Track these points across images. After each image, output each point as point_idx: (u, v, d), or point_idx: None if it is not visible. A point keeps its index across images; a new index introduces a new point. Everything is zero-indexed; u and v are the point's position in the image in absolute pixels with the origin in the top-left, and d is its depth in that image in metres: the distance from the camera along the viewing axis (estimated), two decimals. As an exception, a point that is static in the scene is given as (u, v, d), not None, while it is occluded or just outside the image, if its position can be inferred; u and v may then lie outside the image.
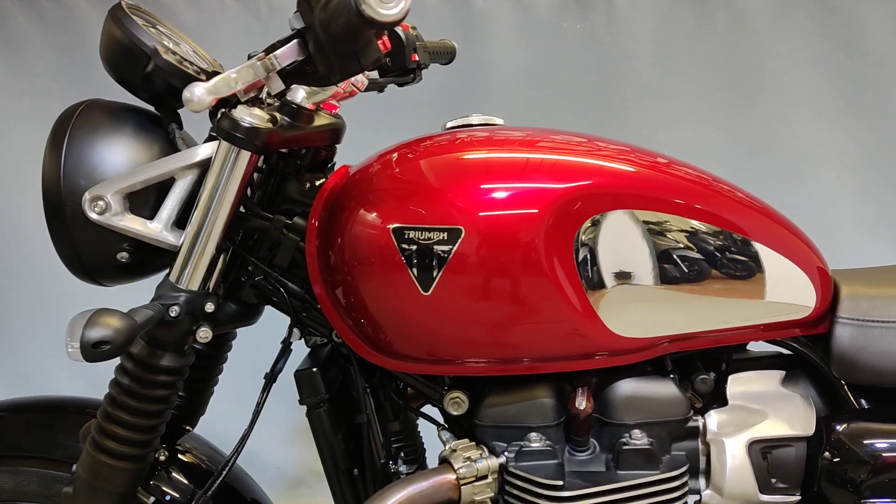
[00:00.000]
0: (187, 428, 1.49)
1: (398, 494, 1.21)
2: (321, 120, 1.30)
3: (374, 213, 1.20)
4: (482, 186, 1.19)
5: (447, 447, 1.28)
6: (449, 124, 1.42)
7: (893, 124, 2.52)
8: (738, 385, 1.30)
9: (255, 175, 1.32)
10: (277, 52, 1.09)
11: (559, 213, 1.17)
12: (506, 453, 1.25)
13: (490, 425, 1.27)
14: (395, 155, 1.27)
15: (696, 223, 1.23)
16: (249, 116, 1.16)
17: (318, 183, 1.31)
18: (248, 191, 1.32)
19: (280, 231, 1.29)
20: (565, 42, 2.57)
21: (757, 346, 1.40)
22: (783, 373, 1.32)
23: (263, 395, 1.34)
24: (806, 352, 1.32)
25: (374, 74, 1.61)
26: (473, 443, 1.27)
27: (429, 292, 1.18)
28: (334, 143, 1.37)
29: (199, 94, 1.08)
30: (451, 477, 1.23)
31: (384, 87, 1.60)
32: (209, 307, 1.22)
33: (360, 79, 1.39)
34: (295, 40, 1.08)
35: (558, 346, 1.23)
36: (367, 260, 1.21)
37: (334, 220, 1.24)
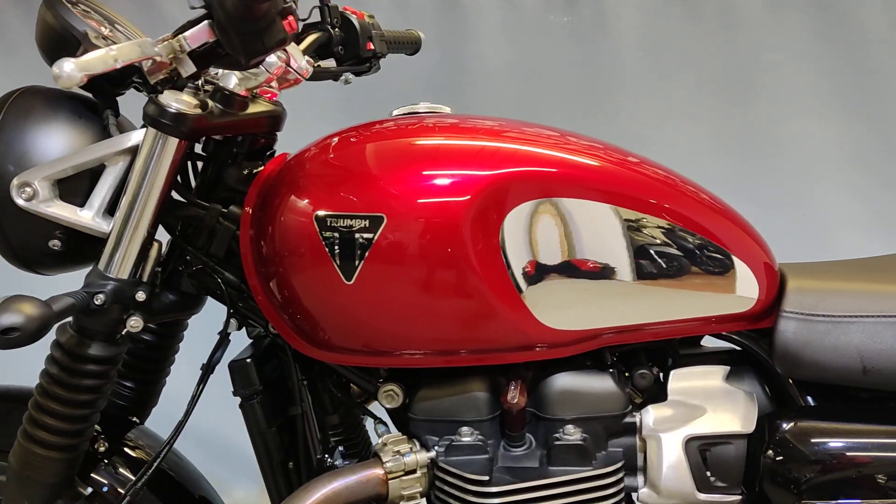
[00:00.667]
0: (135, 420, 1.47)
1: (322, 489, 1.19)
2: (257, 107, 1.28)
3: (300, 201, 1.19)
4: (406, 173, 1.16)
5: (380, 441, 1.25)
6: (395, 112, 1.39)
7: (891, 121, 2.45)
8: (680, 380, 1.26)
9: (198, 163, 1.31)
10: (187, 33, 1.07)
11: (484, 200, 1.14)
12: (436, 448, 1.22)
13: (423, 419, 1.25)
14: (328, 141, 1.26)
15: (630, 213, 1.19)
16: (176, 102, 1.14)
17: (255, 170, 1.30)
18: (191, 178, 1.31)
19: (216, 220, 1.27)
20: (552, 36, 2.53)
21: (710, 342, 1.36)
22: (727, 368, 1.27)
23: (200, 386, 1.32)
24: (753, 347, 1.28)
25: (331, 63, 1.59)
26: (405, 437, 1.24)
27: (351, 281, 1.16)
28: (273, 131, 1.35)
29: (69, 69, 1.04)
30: (379, 471, 1.21)
31: (339, 75, 1.58)
32: (140, 296, 1.21)
33: (304, 66, 1.36)
34: (205, 21, 1.06)
35: (489, 338, 1.20)
36: (293, 249, 1.19)
37: (266, 208, 1.22)
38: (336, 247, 1.15)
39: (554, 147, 1.24)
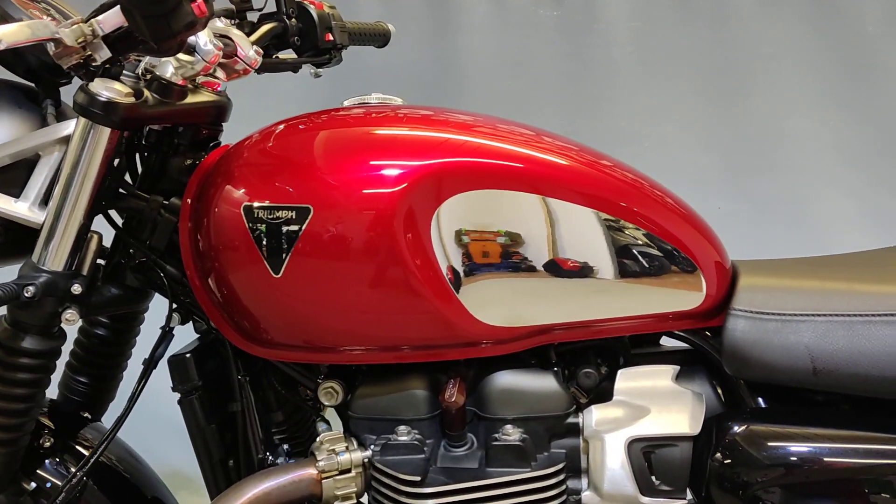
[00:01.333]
0: (87, 416, 1.45)
1: (253, 489, 1.17)
2: (198, 97, 1.25)
3: (232, 192, 1.16)
4: (336, 162, 1.14)
5: (318, 439, 1.22)
6: (346, 102, 1.36)
7: (885, 116, 2.38)
8: (627, 380, 1.21)
9: (144, 153, 1.29)
10: (100, 17, 1.05)
11: (415, 192, 1.11)
12: (372, 447, 1.19)
13: (362, 417, 1.22)
14: (269, 130, 1.24)
15: (573, 206, 1.15)
16: (106, 90, 1.12)
17: (199, 161, 1.27)
18: (138, 168, 1.29)
19: (157, 211, 1.25)
20: (541, 30, 2.49)
21: (669, 342, 1.31)
22: (677, 368, 1.22)
23: (142, 381, 1.29)
24: (704, 346, 1.23)
25: (290, 53, 1.56)
26: (343, 435, 1.21)
27: (279, 275, 1.13)
28: (218, 122, 1.32)
29: None
30: (313, 471, 1.18)
31: (298, 67, 1.55)
32: (76, 289, 1.19)
33: (252, 56, 1.33)
34: (118, 5, 1.04)
35: (427, 334, 1.17)
36: (225, 242, 1.16)
37: (203, 199, 1.20)
38: (263, 239, 1.12)
39: (507, 141, 1.20)
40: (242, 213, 1.13)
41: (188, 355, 1.28)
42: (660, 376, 1.22)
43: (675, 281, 1.18)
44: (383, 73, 2.43)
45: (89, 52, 1.08)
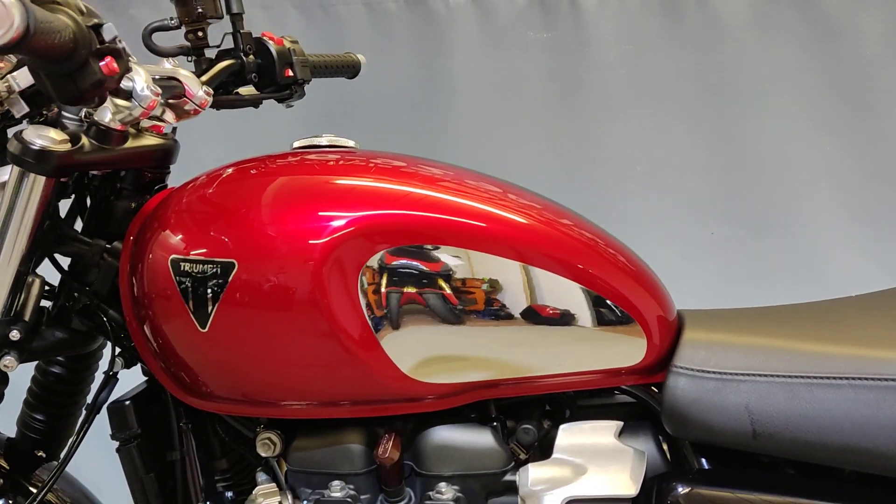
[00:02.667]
0: (41, 455, 1.45)
1: (183, 542, 1.15)
2: (141, 140, 1.24)
3: (163, 241, 1.15)
4: (261, 215, 1.11)
5: (253, 492, 1.20)
6: (296, 144, 1.35)
7: (886, 137, 2.31)
8: (567, 437, 1.18)
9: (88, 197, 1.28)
10: (15, 73, 1.04)
11: (340, 248, 1.08)
12: (306, 501, 1.17)
13: (298, 470, 1.20)
14: (210, 176, 1.21)
15: (510, 262, 1.12)
16: (39, 138, 1.11)
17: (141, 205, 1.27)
18: (86, 212, 1.29)
19: (100, 256, 1.24)
20: (531, 52, 2.45)
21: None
22: (620, 424, 1.19)
23: (85, 426, 1.28)
24: (649, 401, 1.20)
25: (251, 89, 1.54)
26: (278, 489, 1.19)
27: (206, 329, 1.11)
28: (163, 165, 1.31)
29: None
30: (245, 525, 1.16)
31: (258, 102, 1.53)
32: (14, 335, 1.18)
33: (201, 96, 1.32)
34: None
35: (360, 390, 1.15)
36: (156, 291, 1.15)
37: (139, 244, 1.18)
38: (189, 293, 1.11)
39: (456, 194, 1.16)
40: (170, 265, 1.12)
41: (127, 402, 1.26)
42: (602, 433, 1.18)
43: (618, 337, 1.15)
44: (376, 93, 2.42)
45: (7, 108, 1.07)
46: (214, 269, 1.09)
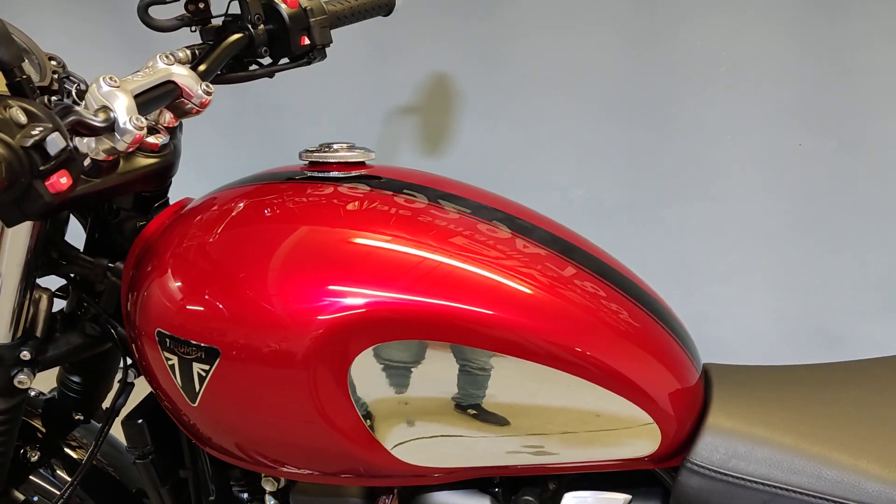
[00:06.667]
0: (78, 418, 1.48)
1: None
2: (133, 163, 1.16)
3: (150, 309, 1.09)
4: (246, 297, 1.03)
5: None
6: (304, 153, 1.24)
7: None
8: (573, 507, 1.13)
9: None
10: None
11: (328, 343, 1.01)
12: None
13: (300, 511, 1.19)
14: (202, 220, 1.13)
15: (504, 358, 1.02)
16: None
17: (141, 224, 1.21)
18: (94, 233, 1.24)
19: (103, 275, 1.20)
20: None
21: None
22: (629, 497, 1.13)
23: (105, 428, 1.30)
24: (664, 476, 1.13)
25: (267, 59, 1.39)
26: None
27: (195, 404, 1.07)
28: (160, 183, 1.23)
29: None
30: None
31: (273, 74, 1.39)
32: (25, 355, 1.19)
33: (201, 94, 1.18)
34: None
35: (357, 469, 1.11)
36: (147, 357, 1.12)
37: (139, 271, 1.14)
38: (176, 369, 1.06)
39: (453, 279, 1.03)
40: (156, 337, 1.07)
41: (140, 421, 1.26)
42: (607, 505, 1.13)
43: (628, 430, 1.06)
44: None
45: None
46: (199, 354, 1.04)
